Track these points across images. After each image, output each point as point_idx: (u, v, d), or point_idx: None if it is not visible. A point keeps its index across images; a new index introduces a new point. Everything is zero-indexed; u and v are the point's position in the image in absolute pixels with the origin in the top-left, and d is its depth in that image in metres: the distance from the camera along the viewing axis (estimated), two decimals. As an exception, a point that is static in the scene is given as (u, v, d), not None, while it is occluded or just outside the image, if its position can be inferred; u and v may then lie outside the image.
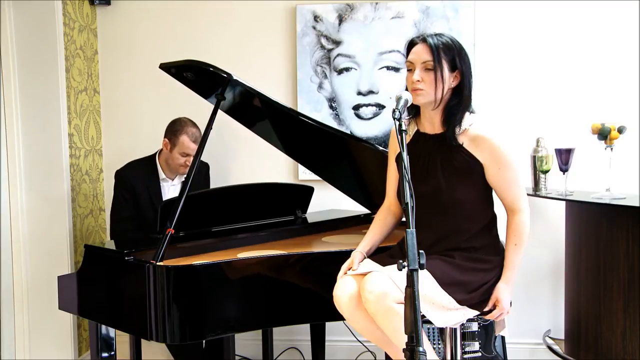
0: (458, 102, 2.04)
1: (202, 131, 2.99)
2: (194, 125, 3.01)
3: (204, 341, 2.93)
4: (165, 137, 3.01)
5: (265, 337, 3.11)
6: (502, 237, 2.18)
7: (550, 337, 3.17)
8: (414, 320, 1.48)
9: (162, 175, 3.05)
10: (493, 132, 2.05)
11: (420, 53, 2.02)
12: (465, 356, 2.83)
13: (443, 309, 2.00)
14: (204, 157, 2.69)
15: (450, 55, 2.01)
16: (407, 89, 2.04)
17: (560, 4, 3.18)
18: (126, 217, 2.99)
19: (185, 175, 3.07)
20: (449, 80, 2.02)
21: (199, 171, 2.96)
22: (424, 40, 2.03)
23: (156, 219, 2.88)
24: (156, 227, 2.80)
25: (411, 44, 2.07)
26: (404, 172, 1.67)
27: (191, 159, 2.98)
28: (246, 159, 3.44)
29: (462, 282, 2.02)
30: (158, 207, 2.91)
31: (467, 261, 2.06)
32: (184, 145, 2.95)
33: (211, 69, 2.32)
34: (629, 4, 3.12)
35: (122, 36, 3.50)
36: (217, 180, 3.39)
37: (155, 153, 3.10)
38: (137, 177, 3.00)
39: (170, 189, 3.07)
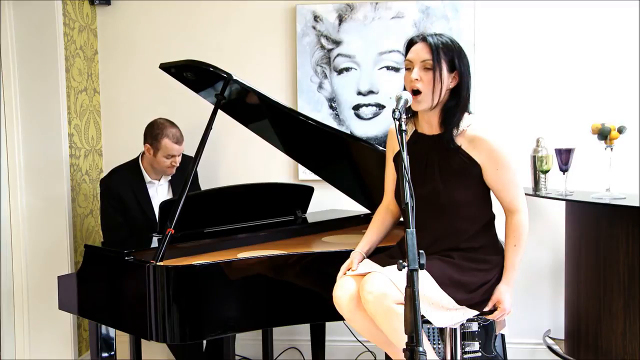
0: (456, 104, 2.03)
1: (182, 130, 2.96)
2: (172, 125, 2.96)
3: (204, 341, 2.93)
4: (146, 142, 2.95)
5: (265, 337, 3.11)
6: (501, 237, 2.18)
7: (550, 337, 3.17)
8: (414, 320, 1.48)
9: (147, 178, 3.01)
10: (491, 133, 2.04)
11: (420, 52, 2.01)
12: (465, 356, 2.83)
13: (442, 309, 2.00)
14: (203, 158, 2.68)
15: (449, 55, 2.00)
16: (405, 88, 2.03)
17: (560, 4, 3.18)
18: (117, 225, 2.95)
19: (171, 175, 3.06)
20: (448, 80, 2.02)
21: (185, 168, 2.94)
22: (423, 39, 2.02)
23: (146, 223, 2.88)
24: (147, 231, 2.80)
25: (410, 43, 2.07)
26: (404, 172, 1.67)
27: (177, 159, 2.95)
28: (245, 159, 3.44)
29: (462, 282, 2.02)
30: (147, 211, 2.92)
31: (467, 261, 2.06)
32: (167, 148, 2.90)
33: (211, 69, 2.32)
34: (629, 4, 3.12)
35: (122, 36, 3.50)
36: (216, 180, 3.39)
37: (138, 157, 3.05)
38: (123, 183, 2.95)
39: (158, 189, 3.04)
